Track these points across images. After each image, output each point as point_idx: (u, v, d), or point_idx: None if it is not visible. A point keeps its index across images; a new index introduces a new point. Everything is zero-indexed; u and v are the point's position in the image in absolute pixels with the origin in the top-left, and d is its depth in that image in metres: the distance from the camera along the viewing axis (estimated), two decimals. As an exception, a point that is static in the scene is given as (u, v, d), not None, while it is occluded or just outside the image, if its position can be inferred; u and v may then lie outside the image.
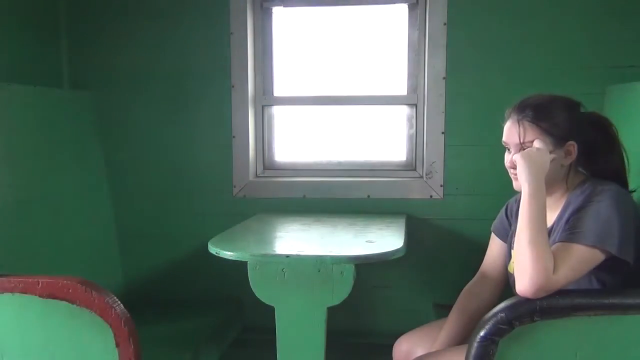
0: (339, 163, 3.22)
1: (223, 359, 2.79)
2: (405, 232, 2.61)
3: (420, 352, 2.24)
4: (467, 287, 2.31)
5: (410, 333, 2.40)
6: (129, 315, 2.04)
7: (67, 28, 3.15)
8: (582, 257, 1.80)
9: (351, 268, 2.19)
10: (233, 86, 3.06)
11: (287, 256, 2.18)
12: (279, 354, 2.28)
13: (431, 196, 3.01)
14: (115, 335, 2.04)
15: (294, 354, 2.30)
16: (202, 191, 3.16)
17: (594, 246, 1.80)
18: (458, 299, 2.29)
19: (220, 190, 3.13)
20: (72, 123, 3.01)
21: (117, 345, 2.05)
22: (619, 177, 2.04)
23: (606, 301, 1.76)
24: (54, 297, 2.07)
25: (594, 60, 2.89)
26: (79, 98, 3.08)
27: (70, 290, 2.05)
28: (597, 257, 1.81)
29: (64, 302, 2.06)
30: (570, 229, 1.85)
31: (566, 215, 1.93)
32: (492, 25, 2.94)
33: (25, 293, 2.08)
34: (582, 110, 2.04)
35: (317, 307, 2.25)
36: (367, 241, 2.41)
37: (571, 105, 2.02)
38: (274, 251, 2.32)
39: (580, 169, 2.06)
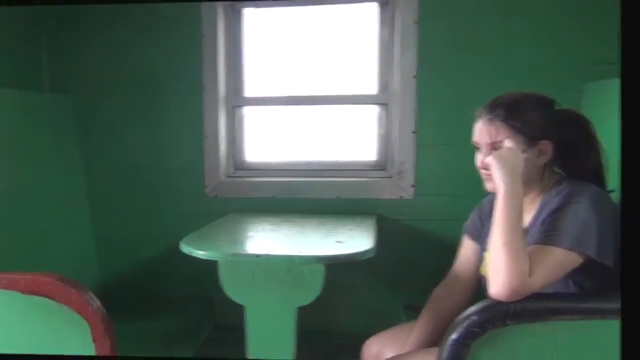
0: (309, 163, 3.21)
1: (196, 357, 2.78)
2: (376, 232, 2.61)
3: (390, 353, 2.20)
4: (438, 288, 2.27)
5: (380, 334, 2.35)
6: (105, 312, 2.07)
7: (48, 32, 3.15)
8: (558, 260, 1.77)
9: (321, 268, 2.20)
10: (204, 88, 3.08)
11: (258, 256, 2.18)
12: (250, 353, 2.29)
13: (402, 196, 2.99)
14: (92, 330, 2.07)
15: (264, 353, 2.30)
16: (175, 191, 3.18)
17: (571, 249, 1.77)
18: (429, 300, 2.25)
19: (192, 190, 3.15)
20: (51, 126, 3.03)
21: (94, 340, 2.08)
22: (597, 176, 2.00)
23: (583, 305, 1.75)
24: (36, 294, 2.11)
25: (571, 57, 2.85)
26: (58, 101, 3.09)
27: (50, 287, 2.09)
28: (575, 260, 1.78)
29: (45, 299, 2.10)
30: (547, 230, 1.82)
31: (542, 217, 1.90)
32: (464, 23, 2.92)
33: (8, 289, 2.12)
34: (557, 107, 2.01)
35: (288, 307, 2.26)
36: (336, 241, 2.40)
37: (544, 103, 1.99)
38: (245, 251, 2.34)
39: (556, 169, 2.03)
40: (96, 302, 2.09)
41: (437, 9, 2.95)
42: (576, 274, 1.82)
